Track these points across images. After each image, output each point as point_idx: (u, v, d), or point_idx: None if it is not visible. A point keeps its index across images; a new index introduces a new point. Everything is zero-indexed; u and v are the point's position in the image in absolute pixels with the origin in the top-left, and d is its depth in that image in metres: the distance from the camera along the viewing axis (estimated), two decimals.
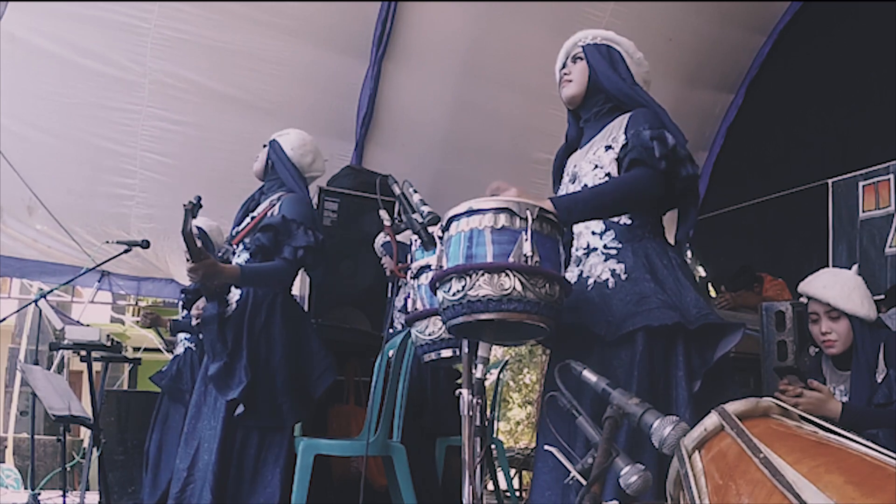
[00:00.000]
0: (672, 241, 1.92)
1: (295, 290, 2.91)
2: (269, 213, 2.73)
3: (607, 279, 1.80)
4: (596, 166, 1.87)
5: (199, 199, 2.35)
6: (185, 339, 4.01)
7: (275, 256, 2.65)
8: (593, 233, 1.88)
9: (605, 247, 1.85)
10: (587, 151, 1.94)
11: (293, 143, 2.86)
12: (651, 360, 1.69)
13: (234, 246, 2.77)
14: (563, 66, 2.02)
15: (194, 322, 3.03)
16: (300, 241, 2.62)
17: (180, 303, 4.03)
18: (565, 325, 1.78)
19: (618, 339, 1.71)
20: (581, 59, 1.98)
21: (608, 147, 1.86)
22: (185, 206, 2.32)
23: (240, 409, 2.54)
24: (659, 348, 1.70)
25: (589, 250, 1.88)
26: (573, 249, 1.95)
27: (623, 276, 1.78)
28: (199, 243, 2.41)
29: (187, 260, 2.48)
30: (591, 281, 1.83)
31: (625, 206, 1.81)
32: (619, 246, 1.83)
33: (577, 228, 1.93)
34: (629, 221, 1.85)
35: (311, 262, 2.68)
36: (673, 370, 1.70)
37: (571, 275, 1.90)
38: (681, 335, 1.70)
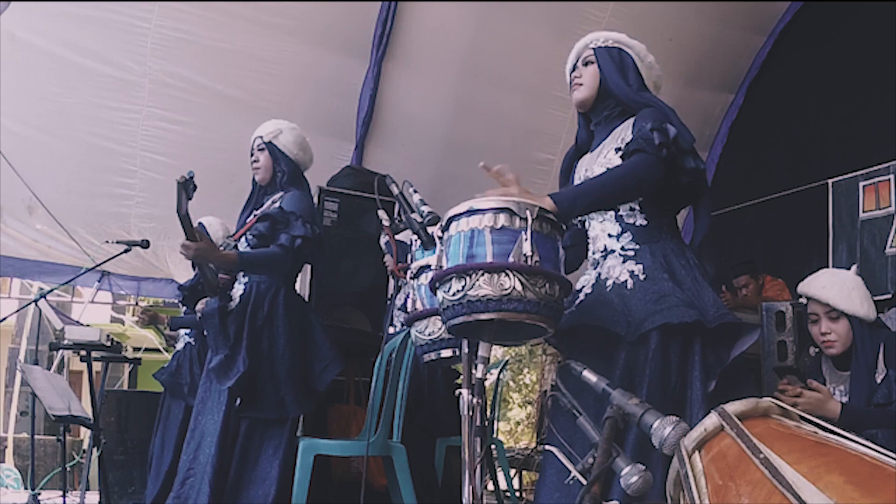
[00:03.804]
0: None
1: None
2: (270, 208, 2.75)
3: (626, 280, 1.80)
4: (608, 170, 1.86)
5: (192, 174, 2.33)
6: (186, 334, 4.02)
7: (272, 245, 2.65)
8: (609, 235, 1.87)
9: (622, 248, 1.84)
10: (598, 155, 1.93)
11: (294, 144, 2.85)
12: (665, 359, 1.69)
13: (236, 241, 2.79)
14: (574, 69, 1.99)
15: (198, 317, 3.02)
16: (297, 231, 2.63)
17: (179, 300, 4.04)
18: (586, 326, 1.78)
19: (639, 339, 1.71)
20: (592, 62, 1.95)
21: (618, 150, 1.85)
22: (177, 181, 2.29)
23: (238, 401, 2.53)
24: (675, 348, 1.70)
25: (606, 252, 1.87)
26: (590, 252, 1.94)
27: (641, 277, 1.78)
28: (195, 225, 2.41)
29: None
30: (609, 283, 1.82)
31: (627, 194, 1.80)
32: (637, 247, 1.82)
33: (592, 232, 1.93)
34: (644, 222, 1.84)
35: (308, 253, 2.68)
36: (689, 370, 1.70)
37: (589, 277, 1.89)
38: (698, 334, 1.71)
